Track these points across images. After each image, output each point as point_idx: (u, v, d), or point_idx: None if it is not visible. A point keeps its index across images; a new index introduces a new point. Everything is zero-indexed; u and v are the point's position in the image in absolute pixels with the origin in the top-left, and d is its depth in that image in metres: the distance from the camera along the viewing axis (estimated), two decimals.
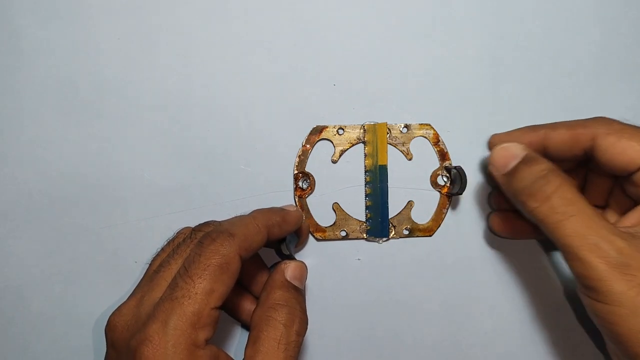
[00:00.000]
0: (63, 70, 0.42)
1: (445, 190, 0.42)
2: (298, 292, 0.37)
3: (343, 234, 0.42)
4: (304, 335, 0.35)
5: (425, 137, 0.43)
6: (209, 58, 0.42)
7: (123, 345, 0.32)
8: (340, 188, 0.43)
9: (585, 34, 0.43)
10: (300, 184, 0.42)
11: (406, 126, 0.43)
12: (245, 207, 0.42)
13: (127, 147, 0.42)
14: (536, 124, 0.40)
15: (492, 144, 0.42)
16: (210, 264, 0.32)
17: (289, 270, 0.37)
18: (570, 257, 0.33)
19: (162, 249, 0.38)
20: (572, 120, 0.38)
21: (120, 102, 0.42)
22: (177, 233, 0.38)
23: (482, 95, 0.43)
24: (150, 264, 0.37)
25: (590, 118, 0.38)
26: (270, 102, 0.42)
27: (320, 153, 0.42)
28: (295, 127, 0.42)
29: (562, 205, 0.33)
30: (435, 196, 0.43)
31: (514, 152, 0.37)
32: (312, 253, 0.43)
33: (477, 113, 0.43)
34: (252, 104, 0.42)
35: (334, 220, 0.42)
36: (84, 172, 0.42)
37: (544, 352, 0.43)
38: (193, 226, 0.37)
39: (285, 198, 0.42)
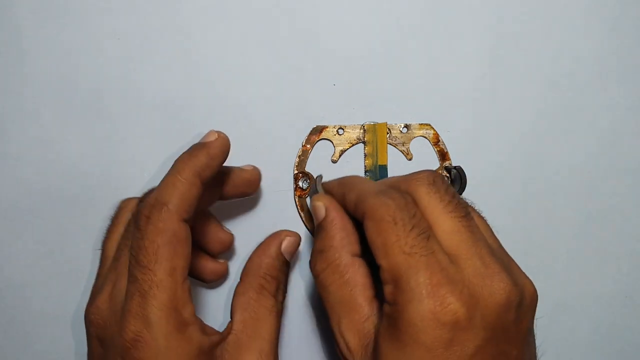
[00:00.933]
0: (63, 70, 0.42)
1: None
2: (287, 265, 0.38)
3: None
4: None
5: (425, 137, 0.43)
6: (209, 58, 0.42)
7: (110, 344, 0.32)
8: None
9: (585, 34, 0.43)
10: (300, 184, 0.42)
11: (406, 126, 0.43)
12: (245, 207, 0.42)
13: (127, 146, 0.42)
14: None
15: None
16: (157, 245, 0.31)
17: (285, 243, 0.38)
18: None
19: (108, 229, 0.37)
20: (375, 185, 0.35)
21: (120, 102, 0.42)
22: (119, 208, 0.37)
23: (482, 95, 0.43)
24: (103, 248, 0.36)
25: (386, 188, 0.34)
26: (270, 102, 0.42)
27: (320, 153, 0.43)
28: (295, 127, 0.42)
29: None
30: None
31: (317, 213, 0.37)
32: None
33: (477, 113, 0.43)
34: (252, 104, 0.42)
35: None
36: (84, 172, 0.42)
37: (544, 351, 0.43)
38: (133, 197, 0.37)
39: (285, 198, 0.42)
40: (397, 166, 0.43)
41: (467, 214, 0.32)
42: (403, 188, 0.33)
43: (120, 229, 0.36)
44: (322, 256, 0.34)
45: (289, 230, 0.39)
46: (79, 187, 0.42)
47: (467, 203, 0.34)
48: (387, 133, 0.42)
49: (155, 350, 0.30)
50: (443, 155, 0.43)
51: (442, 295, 0.29)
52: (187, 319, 0.31)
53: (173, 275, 0.31)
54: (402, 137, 0.43)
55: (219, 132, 0.36)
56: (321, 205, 0.36)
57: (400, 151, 0.43)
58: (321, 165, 0.42)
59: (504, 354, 0.30)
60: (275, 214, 0.42)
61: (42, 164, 0.42)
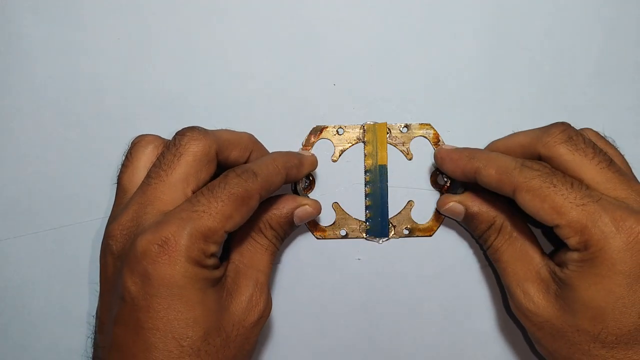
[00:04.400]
0: (63, 70, 0.42)
1: (445, 190, 0.42)
2: (291, 226, 0.40)
3: (343, 233, 0.42)
4: None
5: (425, 137, 0.43)
6: (209, 58, 0.42)
7: (127, 255, 0.33)
8: (340, 188, 0.43)
9: (586, 34, 0.43)
10: (300, 183, 0.42)
11: (406, 126, 0.43)
12: None
13: (127, 146, 0.41)
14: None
15: (439, 155, 0.41)
16: (233, 192, 0.33)
17: (301, 209, 0.39)
18: None
19: (125, 164, 0.37)
20: (509, 159, 0.37)
21: (120, 102, 0.42)
22: (134, 144, 0.38)
23: (482, 95, 0.43)
24: (119, 182, 0.37)
25: (523, 160, 0.37)
26: (270, 102, 0.42)
27: (320, 153, 0.42)
28: (295, 127, 0.42)
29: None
30: (435, 196, 0.43)
31: (457, 211, 0.41)
32: (312, 252, 0.43)
33: (477, 113, 0.43)
34: (252, 104, 0.42)
35: (333, 220, 0.42)
36: (84, 172, 0.42)
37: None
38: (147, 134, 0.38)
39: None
40: (397, 166, 0.43)
41: (611, 161, 0.36)
42: (538, 150, 0.37)
43: (138, 164, 0.37)
44: (490, 229, 0.39)
45: (313, 201, 0.40)
46: (78, 187, 0.42)
47: (601, 148, 0.37)
48: (387, 133, 0.42)
49: (175, 258, 0.31)
50: None
51: (630, 227, 0.33)
52: (208, 252, 0.33)
53: (227, 219, 0.33)
54: (402, 136, 0.43)
55: (312, 154, 0.42)
56: (456, 204, 0.41)
57: (400, 151, 0.43)
58: (321, 165, 0.42)
59: None
60: None
61: (42, 163, 0.42)
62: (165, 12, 0.42)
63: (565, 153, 0.36)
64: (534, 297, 0.36)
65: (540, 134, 0.37)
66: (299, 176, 0.39)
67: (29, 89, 0.42)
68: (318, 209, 0.40)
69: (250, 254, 0.37)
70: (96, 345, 0.35)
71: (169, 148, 0.35)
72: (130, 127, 0.41)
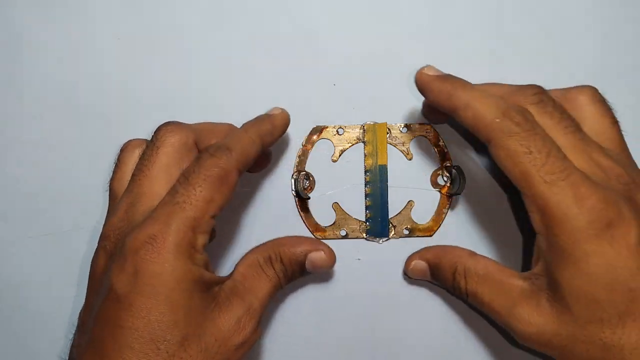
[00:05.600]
0: (63, 70, 0.42)
1: (445, 190, 0.42)
2: (301, 269, 0.38)
3: (343, 233, 0.42)
4: None
5: (425, 137, 0.43)
6: (208, 58, 0.42)
7: (118, 251, 0.33)
8: (340, 188, 0.43)
9: (585, 33, 0.43)
10: (300, 183, 0.42)
11: (406, 126, 0.43)
12: (244, 209, 0.42)
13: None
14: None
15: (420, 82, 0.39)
16: (210, 174, 0.33)
17: (314, 255, 0.38)
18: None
19: (115, 170, 0.38)
20: (492, 98, 0.35)
21: (120, 102, 0.42)
22: (123, 150, 0.38)
23: None
24: (111, 188, 0.38)
25: (505, 108, 0.35)
26: (270, 102, 0.42)
27: (320, 153, 0.42)
28: (295, 127, 0.42)
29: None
30: (435, 196, 0.43)
31: (421, 268, 0.41)
32: None
33: None
34: (252, 104, 0.42)
35: (333, 220, 0.42)
36: (84, 172, 0.42)
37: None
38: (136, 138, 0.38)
39: (284, 198, 0.42)
40: (397, 166, 0.43)
41: (577, 126, 0.35)
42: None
43: (126, 169, 0.37)
44: (456, 276, 0.38)
45: (330, 250, 0.39)
46: (78, 187, 0.42)
47: (570, 114, 0.36)
48: (387, 133, 0.42)
49: (164, 256, 0.31)
50: (444, 155, 0.43)
51: (593, 205, 0.32)
52: (198, 247, 0.33)
53: (209, 204, 0.33)
54: (402, 136, 0.43)
55: (281, 109, 0.39)
56: (418, 262, 0.41)
57: (400, 151, 0.43)
58: (321, 165, 0.42)
59: None
60: (275, 213, 0.42)
61: (42, 164, 0.42)
62: (165, 12, 0.42)
63: (535, 113, 0.35)
64: (530, 318, 0.35)
65: (514, 90, 0.37)
66: (274, 139, 0.38)
67: (29, 89, 0.42)
68: (332, 259, 0.39)
69: (252, 279, 0.36)
70: (73, 346, 0.35)
71: (148, 145, 0.36)
72: (130, 128, 0.41)
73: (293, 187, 0.42)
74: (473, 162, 0.43)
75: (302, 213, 0.42)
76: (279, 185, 0.42)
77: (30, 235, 0.42)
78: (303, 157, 0.42)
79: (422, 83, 0.38)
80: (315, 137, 0.42)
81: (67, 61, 0.42)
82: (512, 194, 0.43)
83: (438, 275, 0.40)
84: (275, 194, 0.42)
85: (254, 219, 0.42)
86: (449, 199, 0.43)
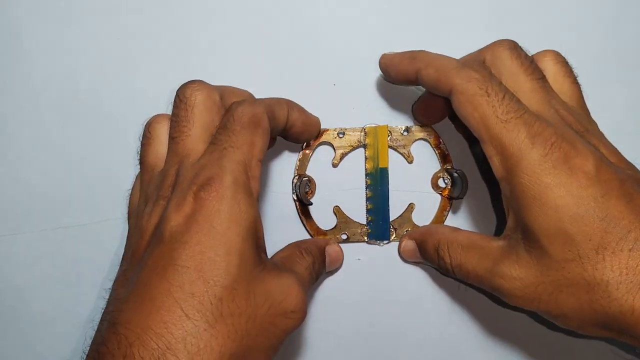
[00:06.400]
0: (63, 70, 0.41)
1: (446, 192, 0.42)
2: (322, 262, 0.40)
3: (344, 237, 0.42)
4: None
5: (426, 140, 0.43)
6: (208, 58, 0.42)
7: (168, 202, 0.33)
8: (341, 191, 0.43)
9: (585, 33, 0.43)
10: (300, 187, 0.42)
11: (407, 129, 0.42)
12: None
13: (127, 146, 0.41)
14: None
15: (383, 60, 0.41)
16: (243, 121, 0.34)
17: (330, 249, 0.41)
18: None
19: (147, 144, 0.38)
20: (450, 59, 0.37)
21: (120, 102, 0.42)
22: (151, 123, 0.39)
23: None
24: (143, 161, 0.38)
25: (464, 60, 0.38)
26: None
27: (321, 156, 0.42)
28: None
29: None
30: (436, 199, 0.43)
31: (411, 247, 0.42)
32: None
33: None
34: None
35: (335, 224, 0.42)
36: (84, 172, 0.42)
37: (546, 353, 0.43)
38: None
39: (285, 202, 0.42)
40: (398, 169, 0.43)
41: (542, 76, 0.37)
42: (484, 55, 0.38)
43: (159, 140, 0.38)
44: (439, 252, 0.39)
45: (339, 246, 0.42)
46: (78, 187, 0.42)
47: (537, 65, 0.38)
48: (388, 136, 0.42)
49: (222, 193, 0.32)
50: (444, 158, 0.43)
51: (546, 138, 0.33)
52: (252, 191, 0.33)
53: (252, 146, 0.33)
54: (403, 139, 0.42)
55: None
56: (407, 241, 0.42)
57: (401, 154, 0.42)
58: (322, 169, 0.42)
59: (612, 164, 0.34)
60: (276, 217, 0.42)
61: (42, 164, 0.42)
62: (165, 12, 0.42)
63: (506, 57, 0.36)
64: (512, 272, 0.34)
65: (490, 43, 0.38)
66: (298, 120, 0.39)
67: (29, 89, 0.41)
68: (342, 255, 0.42)
69: (292, 264, 0.37)
70: (109, 301, 0.33)
71: (179, 106, 0.36)
72: (130, 127, 0.41)
73: (293, 191, 0.42)
74: (474, 164, 0.43)
75: (302, 217, 0.42)
76: (279, 189, 0.42)
77: (31, 234, 0.42)
78: (303, 160, 0.42)
79: (384, 61, 0.40)
80: (315, 140, 0.42)
81: (67, 61, 0.41)
82: (491, 186, 0.43)
83: (425, 253, 0.40)
84: (275, 198, 0.42)
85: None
86: (450, 202, 0.43)
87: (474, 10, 0.43)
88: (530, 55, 0.38)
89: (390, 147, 0.42)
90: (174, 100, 0.36)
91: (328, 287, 0.43)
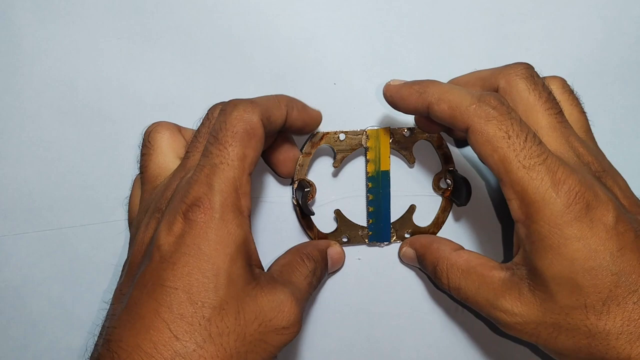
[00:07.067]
0: (63, 70, 0.41)
1: (447, 193, 0.42)
2: (324, 264, 0.40)
3: (345, 240, 0.42)
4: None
5: (428, 141, 0.42)
6: (208, 58, 0.42)
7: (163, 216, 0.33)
8: (341, 194, 0.42)
9: (586, 33, 0.43)
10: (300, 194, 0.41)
11: (409, 129, 0.42)
12: None
13: (127, 146, 0.41)
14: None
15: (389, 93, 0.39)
16: (236, 130, 0.33)
17: (332, 250, 0.41)
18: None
19: (149, 153, 0.38)
20: (463, 93, 0.35)
21: (120, 102, 0.42)
22: (148, 132, 0.39)
23: None
24: (145, 171, 0.38)
25: (480, 94, 0.34)
26: None
27: (322, 159, 0.42)
28: None
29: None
30: (437, 200, 0.43)
31: (410, 255, 0.42)
32: None
33: None
34: None
35: (335, 227, 0.42)
36: (84, 172, 0.42)
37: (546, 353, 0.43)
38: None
39: (285, 205, 0.42)
40: (399, 171, 0.43)
41: (560, 110, 0.36)
42: (498, 81, 0.37)
43: (162, 149, 0.38)
44: (437, 271, 0.39)
45: (341, 247, 0.42)
46: (78, 187, 0.42)
47: (555, 97, 0.37)
48: (390, 137, 0.42)
49: (210, 215, 0.31)
50: (447, 159, 0.42)
51: (570, 187, 0.32)
52: (243, 209, 0.33)
53: (243, 160, 0.33)
54: (405, 141, 0.42)
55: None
56: (407, 249, 0.42)
57: (403, 155, 0.42)
58: (322, 172, 0.42)
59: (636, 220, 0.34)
60: (276, 222, 0.42)
61: (42, 164, 0.42)
62: (165, 12, 0.42)
63: (523, 89, 0.36)
64: (513, 308, 0.34)
65: (503, 67, 0.37)
66: (298, 119, 0.38)
67: (29, 89, 0.41)
68: (344, 255, 0.42)
69: (290, 275, 0.37)
70: (107, 316, 0.33)
71: (211, 125, 0.35)
72: (130, 127, 0.41)
73: (294, 195, 0.42)
74: (476, 166, 0.43)
75: (303, 221, 0.42)
76: (280, 193, 0.42)
77: (31, 234, 0.42)
78: (303, 165, 0.41)
79: (390, 93, 0.38)
80: (316, 143, 0.41)
81: (67, 61, 0.41)
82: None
83: (423, 267, 0.41)
84: (276, 202, 0.42)
85: (254, 227, 0.42)
86: (451, 203, 0.42)
87: (475, 11, 0.43)
88: (544, 82, 0.37)
89: (392, 149, 0.42)
90: (203, 118, 0.37)
91: (328, 287, 0.43)
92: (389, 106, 0.38)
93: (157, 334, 0.30)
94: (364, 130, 0.42)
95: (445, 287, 0.38)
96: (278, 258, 0.38)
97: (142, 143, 0.38)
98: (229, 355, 0.30)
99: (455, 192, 0.42)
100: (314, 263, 0.38)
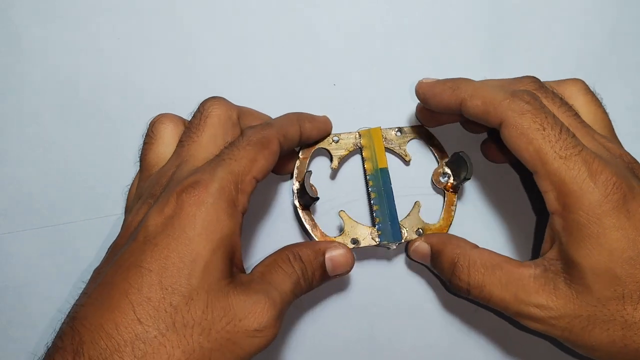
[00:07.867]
0: (63, 70, 0.42)
1: (449, 186, 0.42)
2: (322, 271, 0.38)
3: (353, 242, 0.40)
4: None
5: (420, 139, 0.43)
6: (208, 58, 0.42)
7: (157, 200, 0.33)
8: (343, 195, 0.42)
9: (586, 33, 0.44)
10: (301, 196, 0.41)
11: (399, 129, 0.42)
12: (247, 223, 0.41)
13: (127, 146, 0.42)
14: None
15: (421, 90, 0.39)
16: (252, 140, 0.34)
17: (334, 252, 0.38)
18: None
19: (148, 142, 0.38)
20: (496, 86, 0.36)
21: (120, 102, 0.42)
22: (155, 122, 0.38)
23: None
24: (143, 159, 0.38)
25: (513, 90, 0.36)
26: (271, 101, 0.42)
27: (319, 163, 0.42)
28: None
29: None
30: (439, 196, 0.43)
31: (423, 250, 0.40)
32: None
33: None
34: (252, 104, 0.42)
35: (342, 229, 0.40)
36: (84, 172, 0.42)
37: (547, 354, 0.43)
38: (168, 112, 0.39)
39: (285, 209, 0.42)
40: (397, 168, 0.43)
41: (576, 112, 0.37)
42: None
43: (162, 141, 0.38)
44: (456, 269, 0.37)
45: (345, 247, 0.38)
46: (78, 187, 0.42)
47: (567, 101, 0.37)
48: (383, 138, 0.42)
49: (203, 198, 0.32)
50: (441, 153, 0.43)
51: (607, 178, 0.32)
52: (238, 203, 0.33)
53: (252, 161, 0.34)
54: (397, 140, 0.42)
55: (326, 115, 0.42)
56: (421, 243, 0.40)
57: (398, 154, 0.42)
58: (322, 175, 0.42)
59: None
60: (275, 225, 0.42)
61: (42, 164, 0.42)
62: (165, 12, 0.42)
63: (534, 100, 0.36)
64: (549, 302, 0.34)
65: (512, 80, 0.38)
66: (313, 130, 0.39)
67: (29, 89, 0.41)
68: (351, 259, 0.38)
69: (271, 275, 0.35)
70: (80, 294, 0.32)
71: (195, 115, 0.37)
72: (130, 126, 0.41)
73: (295, 197, 0.41)
74: (472, 155, 0.43)
75: (308, 224, 0.40)
76: (278, 196, 0.42)
77: (31, 234, 0.42)
78: (301, 167, 0.41)
79: (423, 90, 0.38)
80: (311, 147, 0.41)
81: (67, 61, 0.41)
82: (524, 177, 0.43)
83: (438, 263, 0.39)
84: (275, 205, 0.42)
85: (253, 230, 0.42)
86: (456, 195, 0.42)
87: (474, 12, 0.43)
88: (552, 90, 0.37)
89: (386, 148, 0.42)
90: (196, 109, 0.37)
91: (328, 287, 0.42)
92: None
93: (121, 315, 0.29)
94: (357, 131, 0.42)
95: (465, 284, 0.37)
96: (265, 258, 0.37)
97: (146, 133, 0.39)
98: (191, 349, 0.30)
99: (455, 175, 0.41)
100: (302, 264, 0.36)
